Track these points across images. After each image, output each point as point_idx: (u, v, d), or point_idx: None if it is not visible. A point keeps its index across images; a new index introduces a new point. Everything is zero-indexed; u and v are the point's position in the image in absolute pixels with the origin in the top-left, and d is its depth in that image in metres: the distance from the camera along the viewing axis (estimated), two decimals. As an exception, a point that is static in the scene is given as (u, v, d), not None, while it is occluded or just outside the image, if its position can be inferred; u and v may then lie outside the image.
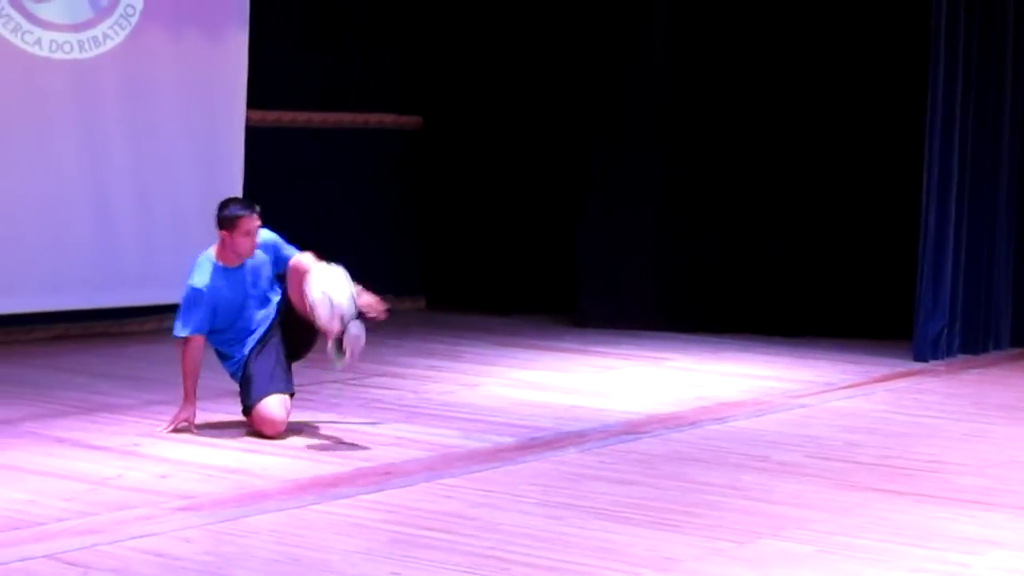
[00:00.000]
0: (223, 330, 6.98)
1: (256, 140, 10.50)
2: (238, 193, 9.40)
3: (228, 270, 6.90)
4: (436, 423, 7.23)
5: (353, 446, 6.71)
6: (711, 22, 10.89)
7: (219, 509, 5.51)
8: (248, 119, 10.50)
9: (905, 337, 9.89)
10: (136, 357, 9.08)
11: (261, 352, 6.93)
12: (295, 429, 6.89)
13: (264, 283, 7.00)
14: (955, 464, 6.66)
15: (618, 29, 10.96)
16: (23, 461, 6.22)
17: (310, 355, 7.19)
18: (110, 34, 9.83)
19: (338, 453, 6.56)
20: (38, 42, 9.53)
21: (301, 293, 6.71)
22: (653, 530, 5.39)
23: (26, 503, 5.53)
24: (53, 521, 5.29)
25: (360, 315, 6.67)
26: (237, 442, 6.73)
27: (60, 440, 6.65)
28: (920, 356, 9.67)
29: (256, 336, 6.97)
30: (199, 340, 6.87)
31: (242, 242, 6.84)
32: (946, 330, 9.81)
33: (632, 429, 7.26)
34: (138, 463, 6.24)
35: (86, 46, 9.73)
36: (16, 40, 9.44)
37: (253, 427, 6.85)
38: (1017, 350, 10.27)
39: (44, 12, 9.55)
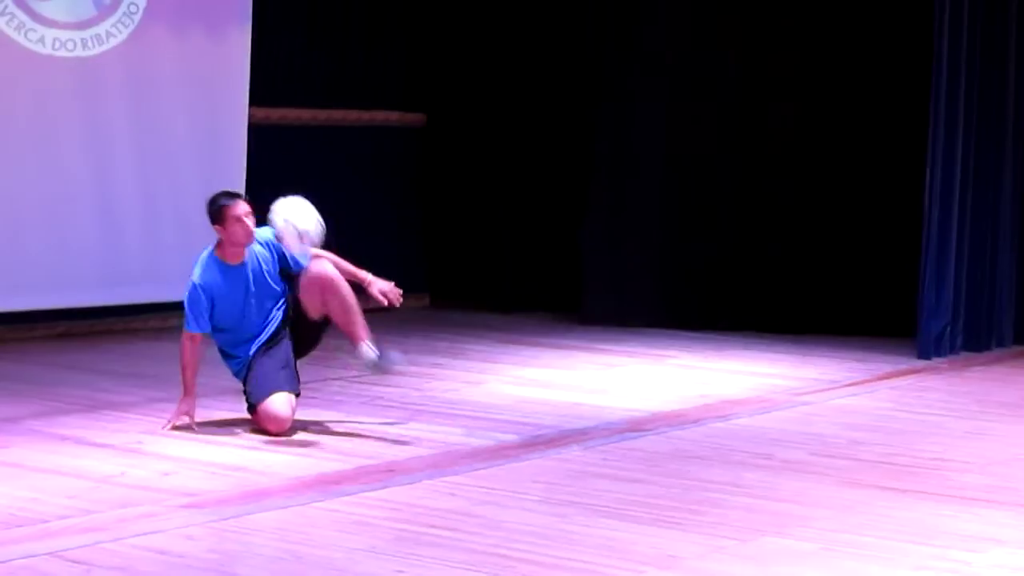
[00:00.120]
0: (227, 329, 6.98)
1: (259, 137, 10.50)
2: (242, 191, 9.40)
3: (228, 267, 6.90)
4: (440, 421, 7.23)
5: (357, 444, 6.71)
6: (716, 20, 10.88)
7: (222, 507, 5.51)
8: (251, 116, 10.51)
9: (908, 335, 9.89)
10: (139, 355, 9.09)
11: (268, 351, 6.93)
12: (299, 426, 6.89)
13: (269, 280, 7.00)
14: (958, 462, 6.66)
15: (623, 26, 10.96)
16: (26, 458, 6.22)
17: (315, 351, 7.21)
18: (113, 32, 9.84)
19: (342, 451, 6.56)
20: (41, 40, 9.53)
21: (322, 303, 6.80)
22: (656, 527, 5.39)
23: (29, 500, 5.53)
24: (56, 519, 5.29)
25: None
26: (241, 440, 6.73)
27: (63, 438, 6.65)
28: (923, 354, 9.67)
29: (263, 338, 6.97)
30: (200, 336, 6.88)
31: (235, 230, 6.85)
32: (949, 328, 9.81)
33: (635, 427, 7.26)
34: (141, 460, 6.25)
35: (89, 44, 9.74)
36: (20, 38, 9.44)
37: (258, 425, 6.85)
38: (1020, 348, 10.26)
39: (48, 10, 9.56)
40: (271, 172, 10.53)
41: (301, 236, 6.84)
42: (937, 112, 9.66)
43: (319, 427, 6.99)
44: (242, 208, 6.86)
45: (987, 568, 5.01)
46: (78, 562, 4.77)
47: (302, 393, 7.04)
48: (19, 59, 9.44)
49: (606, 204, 10.99)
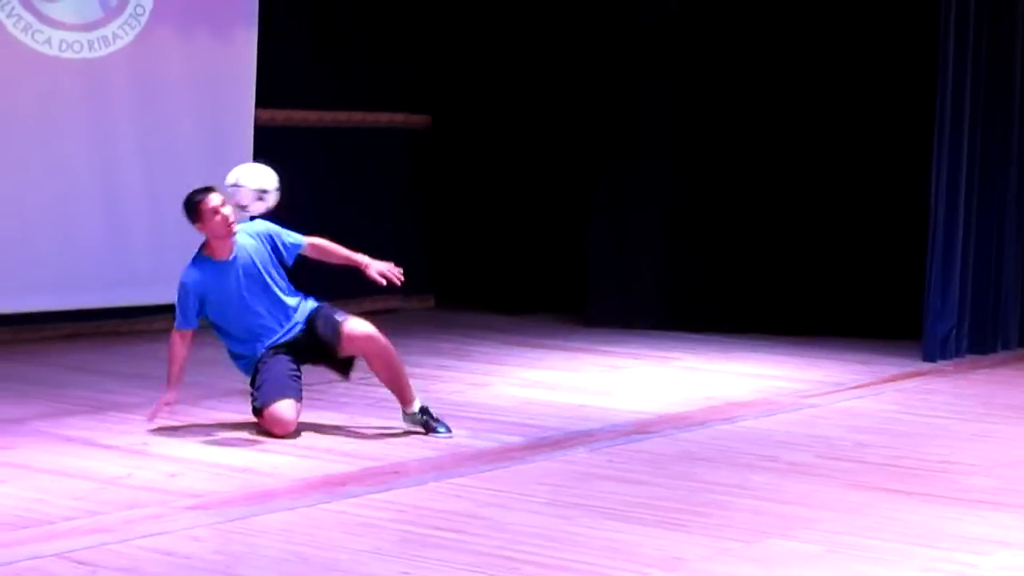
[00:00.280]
0: (226, 327, 6.97)
1: (265, 139, 10.50)
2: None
3: (216, 263, 6.90)
4: (445, 422, 7.22)
5: (362, 445, 6.72)
6: (719, 23, 10.88)
7: (228, 508, 5.51)
8: (257, 118, 10.52)
9: (914, 337, 9.88)
10: (146, 356, 9.09)
11: (276, 355, 6.93)
12: (304, 428, 6.90)
13: (264, 274, 6.95)
14: (964, 464, 6.66)
15: (628, 28, 10.96)
16: (32, 460, 6.23)
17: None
18: (120, 34, 9.85)
19: (347, 452, 6.56)
20: (48, 41, 9.55)
21: (367, 364, 6.94)
22: (662, 530, 5.39)
23: (35, 502, 5.54)
24: (62, 520, 5.30)
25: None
26: (246, 441, 6.74)
27: (69, 439, 6.66)
28: (929, 356, 9.66)
29: (275, 340, 6.95)
30: (188, 333, 6.89)
31: (214, 225, 6.86)
32: (955, 330, 9.80)
33: (641, 429, 7.26)
34: (147, 462, 6.25)
35: (96, 46, 9.75)
36: (27, 39, 9.46)
37: (263, 427, 6.85)
38: (1026, 350, 10.28)
39: (54, 12, 9.57)
40: (277, 174, 10.53)
41: (260, 196, 6.86)
42: (943, 113, 9.65)
43: (325, 429, 7.00)
44: (215, 199, 6.86)
45: (993, 571, 5.01)
46: (84, 563, 4.77)
47: (307, 394, 7.03)
48: (26, 60, 9.46)
49: (611, 206, 10.99)
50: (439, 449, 6.66)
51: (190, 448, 6.54)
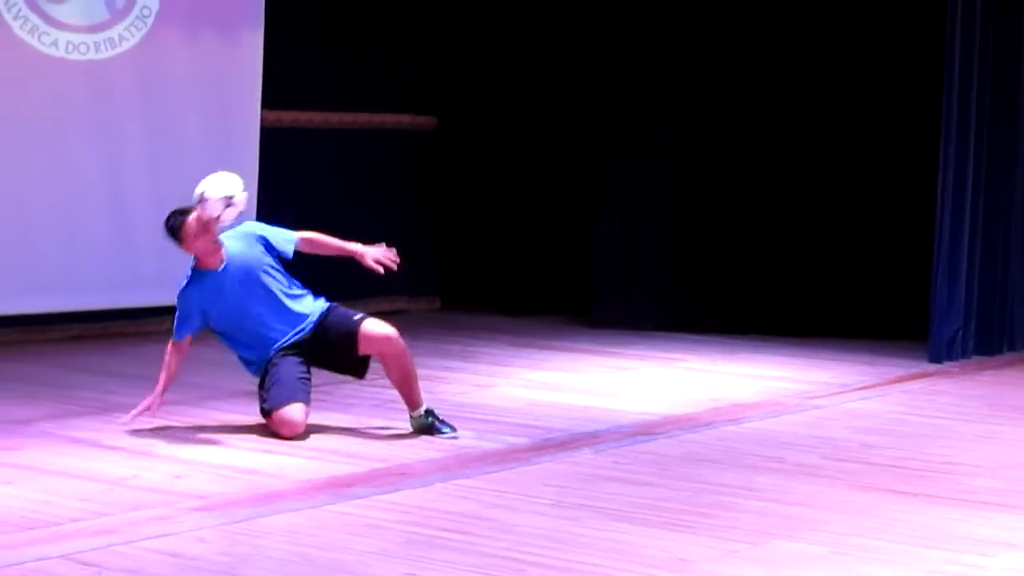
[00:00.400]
0: (231, 333, 6.98)
1: (271, 140, 10.51)
2: (254, 193, 9.41)
3: (208, 273, 6.90)
4: (451, 424, 7.22)
5: (368, 447, 6.72)
6: (721, 24, 10.88)
7: (234, 509, 5.52)
8: (263, 119, 10.52)
9: (920, 338, 9.88)
10: (152, 357, 9.02)
11: (285, 357, 6.93)
12: (310, 429, 6.90)
13: (260, 274, 6.93)
14: (969, 465, 6.65)
15: (633, 30, 10.96)
16: (39, 461, 6.24)
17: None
18: (126, 35, 9.86)
19: (353, 454, 6.57)
20: (55, 43, 9.56)
21: (382, 363, 6.94)
22: (667, 531, 5.39)
23: (41, 503, 5.54)
24: (68, 521, 5.30)
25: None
26: (252, 443, 6.74)
27: (76, 440, 6.67)
28: (935, 357, 9.66)
29: (284, 341, 6.96)
30: (181, 345, 6.91)
31: (197, 247, 6.86)
32: (961, 331, 9.79)
33: (646, 430, 7.26)
34: (153, 463, 6.26)
35: (102, 47, 9.76)
36: (33, 41, 9.47)
37: (271, 428, 6.86)
38: (1032, 351, 10.27)
39: (61, 13, 9.58)
40: (283, 175, 10.55)
41: (228, 203, 6.84)
42: (949, 114, 9.64)
43: (331, 430, 7.00)
44: (192, 226, 6.83)
45: (999, 572, 5.01)
46: (90, 564, 4.78)
47: (314, 395, 7.03)
48: (32, 62, 9.47)
49: (616, 208, 10.99)
50: (445, 450, 6.66)
51: (196, 449, 6.54)
